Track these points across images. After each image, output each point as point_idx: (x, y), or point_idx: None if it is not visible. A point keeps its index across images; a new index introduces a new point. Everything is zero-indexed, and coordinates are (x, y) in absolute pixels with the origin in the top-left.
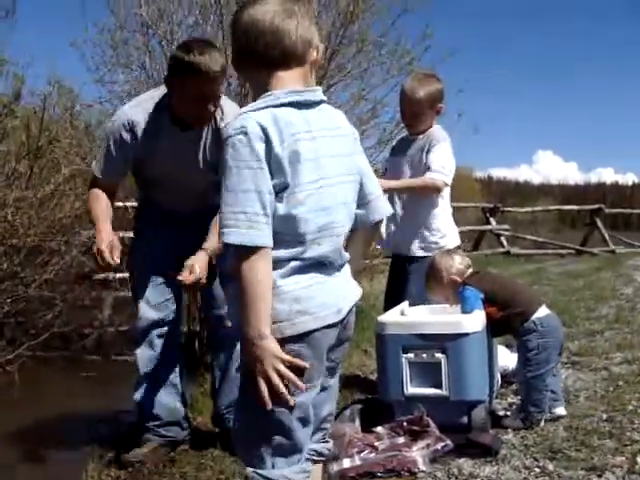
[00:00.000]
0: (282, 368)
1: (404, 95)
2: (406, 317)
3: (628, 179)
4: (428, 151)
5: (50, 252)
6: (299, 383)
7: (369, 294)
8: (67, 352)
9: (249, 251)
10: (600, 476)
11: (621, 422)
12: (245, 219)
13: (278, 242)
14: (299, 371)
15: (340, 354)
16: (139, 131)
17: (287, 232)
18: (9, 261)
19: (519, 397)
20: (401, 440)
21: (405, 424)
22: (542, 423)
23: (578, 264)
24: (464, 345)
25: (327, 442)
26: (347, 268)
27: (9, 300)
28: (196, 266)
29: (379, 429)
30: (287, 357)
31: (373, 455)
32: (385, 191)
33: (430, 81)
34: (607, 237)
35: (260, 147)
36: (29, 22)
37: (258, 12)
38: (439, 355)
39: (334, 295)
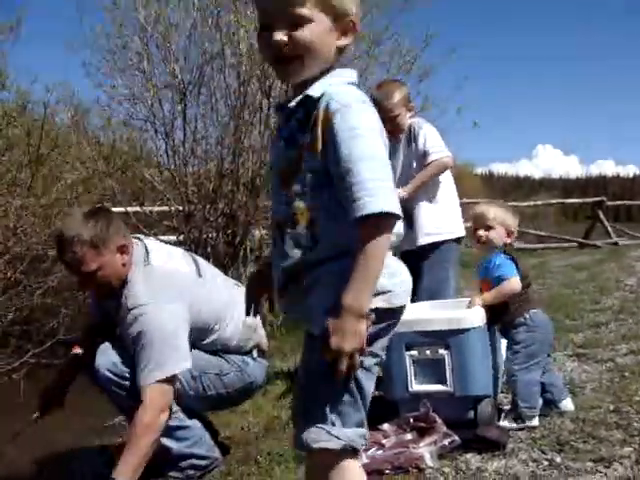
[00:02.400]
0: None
1: (381, 104)
2: (408, 314)
3: (629, 171)
4: (415, 138)
5: (53, 260)
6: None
7: None
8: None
9: (387, 220)
10: (608, 467)
11: (628, 413)
12: (385, 187)
13: None
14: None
15: None
16: None
17: None
18: (13, 269)
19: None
20: (408, 437)
21: (412, 421)
22: (536, 419)
23: (581, 257)
24: (467, 340)
25: None
26: None
27: (14, 308)
28: None
29: (385, 426)
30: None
31: (380, 452)
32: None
33: (398, 85)
34: (609, 229)
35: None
36: (30, 30)
37: None
38: (442, 351)
39: (408, 275)
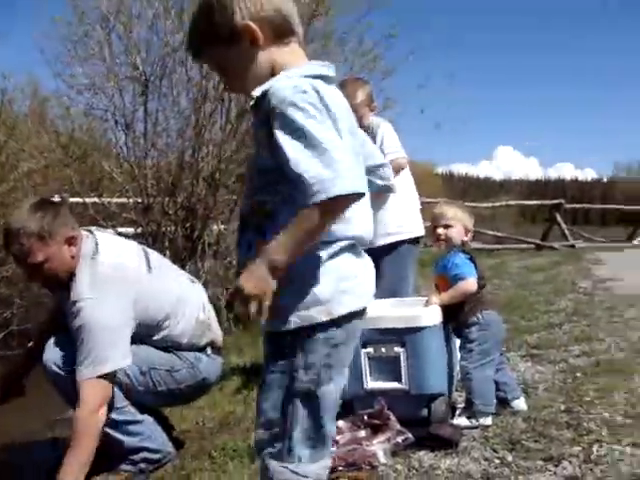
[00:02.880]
0: (266, 304)
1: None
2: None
3: (587, 174)
4: (373, 138)
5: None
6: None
7: None
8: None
9: (338, 201)
10: (557, 465)
11: (578, 413)
12: (346, 167)
13: None
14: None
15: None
16: None
17: None
18: None
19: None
20: (362, 434)
21: (366, 418)
22: (490, 418)
23: (538, 258)
24: (422, 338)
25: None
26: None
27: None
28: None
29: (340, 423)
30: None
31: (334, 449)
32: None
33: (361, 84)
34: (567, 232)
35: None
36: None
37: None
38: (398, 349)
39: (370, 276)
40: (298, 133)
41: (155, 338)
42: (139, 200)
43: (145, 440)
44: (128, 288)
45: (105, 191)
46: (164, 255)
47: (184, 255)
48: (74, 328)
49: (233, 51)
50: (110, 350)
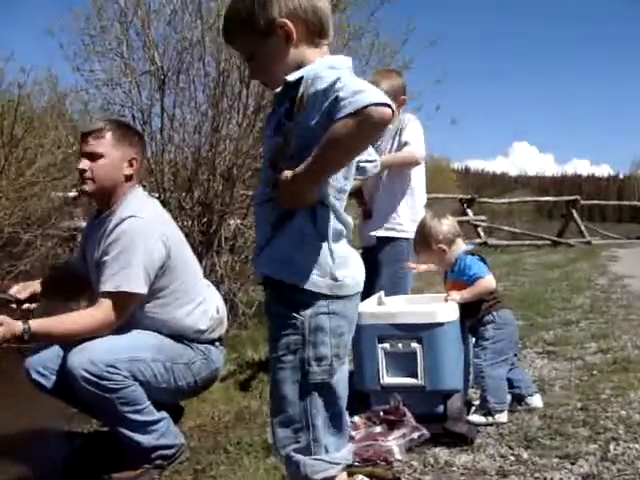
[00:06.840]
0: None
1: None
2: (381, 307)
3: (603, 171)
4: (401, 132)
5: (26, 243)
6: None
7: None
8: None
9: (379, 120)
10: (573, 463)
11: (595, 411)
12: (375, 89)
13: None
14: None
15: None
16: None
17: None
18: None
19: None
20: (377, 429)
21: (381, 414)
22: (505, 415)
23: (554, 255)
24: (439, 335)
25: None
26: None
27: None
28: None
29: (355, 419)
30: None
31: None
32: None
33: (391, 75)
34: (583, 228)
35: None
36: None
37: None
38: (414, 345)
39: (358, 263)
40: (339, 92)
41: (177, 324)
42: (156, 195)
43: (160, 437)
44: (169, 235)
45: None
46: None
47: (200, 250)
48: (113, 240)
49: (267, 44)
50: (139, 272)
